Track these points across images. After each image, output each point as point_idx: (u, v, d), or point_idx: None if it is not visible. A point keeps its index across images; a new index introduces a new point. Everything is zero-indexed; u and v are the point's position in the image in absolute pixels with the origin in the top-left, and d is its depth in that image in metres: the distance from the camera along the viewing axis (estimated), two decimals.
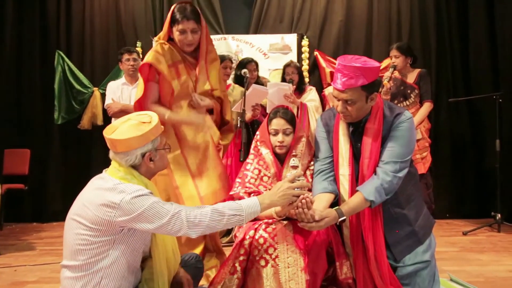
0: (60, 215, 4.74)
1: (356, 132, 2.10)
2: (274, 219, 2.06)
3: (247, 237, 2.03)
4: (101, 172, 1.74)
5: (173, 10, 2.38)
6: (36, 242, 3.85)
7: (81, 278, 1.58)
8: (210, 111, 2.54)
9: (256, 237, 2.02)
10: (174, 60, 2.40)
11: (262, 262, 1.97)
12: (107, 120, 4.53)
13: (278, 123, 2.22)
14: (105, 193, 1.58)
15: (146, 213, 1.55)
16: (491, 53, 4.75)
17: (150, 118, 1.72)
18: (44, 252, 3.50)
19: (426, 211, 2.22)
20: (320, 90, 4.59)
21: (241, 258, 2.01)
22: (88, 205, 1.59)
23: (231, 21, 5.08)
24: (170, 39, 2.46)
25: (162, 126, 1.77)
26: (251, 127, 3.60)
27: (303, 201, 1.81)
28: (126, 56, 3.96)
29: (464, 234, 3.88)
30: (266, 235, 2.01)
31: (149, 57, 2.36)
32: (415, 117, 3.60)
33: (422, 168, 3.62)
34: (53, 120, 4.84)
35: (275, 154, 2.24)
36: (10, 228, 4.52)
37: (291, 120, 2.24)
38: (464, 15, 4.92)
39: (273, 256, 1.97)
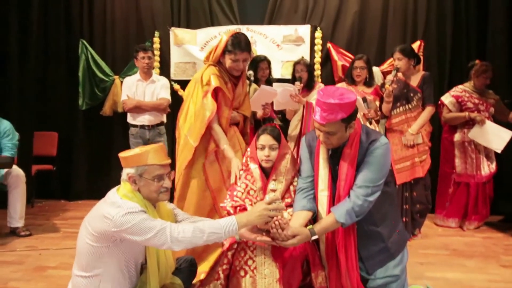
0: (84, 194, 5.18)
1: (335, 156, 2.25)
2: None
3: (231, 248, 2.27)
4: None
5: (227, 40, 2.65)
6: (61, 224, 4.23)
7: (84, 278, 1.89)
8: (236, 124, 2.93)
9: (238, 249, 2.25)
10: (225, 80, 2.75)
11: (242, 273, 2.21)
12: None
13: (265, 139, 2.39)
14: (107, 206, 1.87)
15: (135, 227, 1.81)
16: (509, 56, 4.55)
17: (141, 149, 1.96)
18: (66, 234, 3.87)
19: (401, 228, 2.37)
20: (332, 84, 4.66)
21: (224, 266, 2.26)
22: (95, 214, 1.90)
23: (245, 12, 5.14)
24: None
25: (159, 163, 1.95)
26: (263, 123, 3.79)
27: (276, 222, 2.03)
28: (141, 54, 4.15)
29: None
30: (246, 248, 2.24)
31: (215, 82, 2.67)
32: (417, 121, 3.61)
33: (421, 171, 3.64)
34: (78, 106, 5.17)
35: (262, 169, 2.42)
36: (40, 206, 4.96)
37: (277, 137, 2.41)
38: (484, 8, 4.71)
39: (251, 268, 2.20)
